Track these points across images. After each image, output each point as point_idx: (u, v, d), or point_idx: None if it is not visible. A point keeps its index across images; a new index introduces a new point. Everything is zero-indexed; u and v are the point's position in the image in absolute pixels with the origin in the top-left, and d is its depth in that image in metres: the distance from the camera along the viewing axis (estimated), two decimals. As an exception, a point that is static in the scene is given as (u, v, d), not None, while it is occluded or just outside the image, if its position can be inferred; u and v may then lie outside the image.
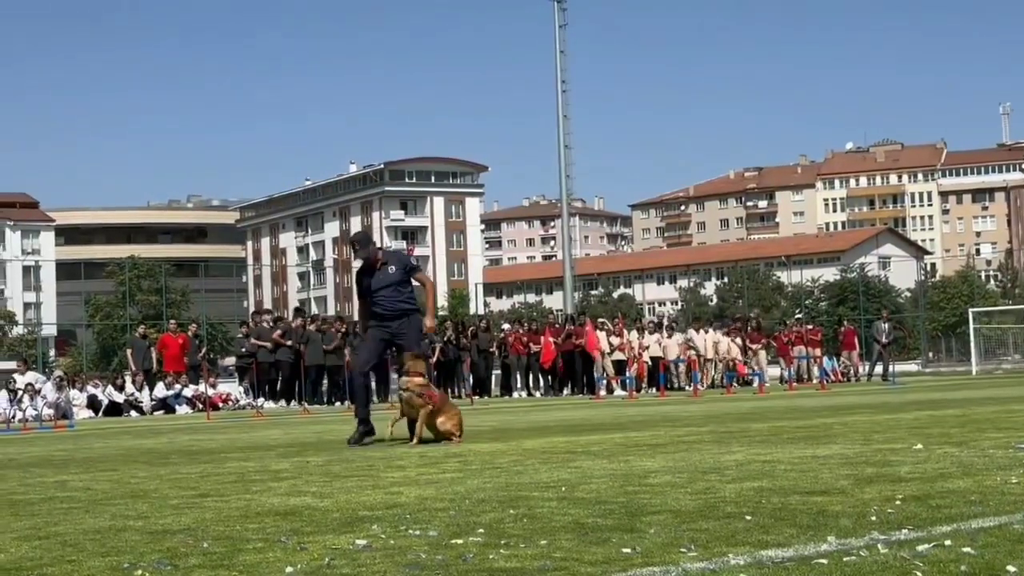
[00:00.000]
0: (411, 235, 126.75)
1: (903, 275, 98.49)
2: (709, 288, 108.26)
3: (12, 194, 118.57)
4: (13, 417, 22.86)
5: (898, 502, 5.50)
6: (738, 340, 33.87)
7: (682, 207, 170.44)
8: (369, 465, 8.77)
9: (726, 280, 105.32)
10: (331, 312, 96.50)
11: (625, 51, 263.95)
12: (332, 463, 9.14)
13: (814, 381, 32.87)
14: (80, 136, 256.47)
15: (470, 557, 4.42)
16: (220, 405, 27.13)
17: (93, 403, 26.63)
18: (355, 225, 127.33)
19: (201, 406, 26.01)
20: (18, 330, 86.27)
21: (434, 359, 27.13)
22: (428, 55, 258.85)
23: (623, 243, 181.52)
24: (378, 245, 12.30)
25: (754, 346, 34.15)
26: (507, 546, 4.63)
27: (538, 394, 31.11)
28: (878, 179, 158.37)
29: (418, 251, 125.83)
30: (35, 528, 5.69)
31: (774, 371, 36.28)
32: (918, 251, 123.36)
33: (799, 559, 4.11)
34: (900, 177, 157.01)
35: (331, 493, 6.83)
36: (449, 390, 30.69)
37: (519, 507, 5.83)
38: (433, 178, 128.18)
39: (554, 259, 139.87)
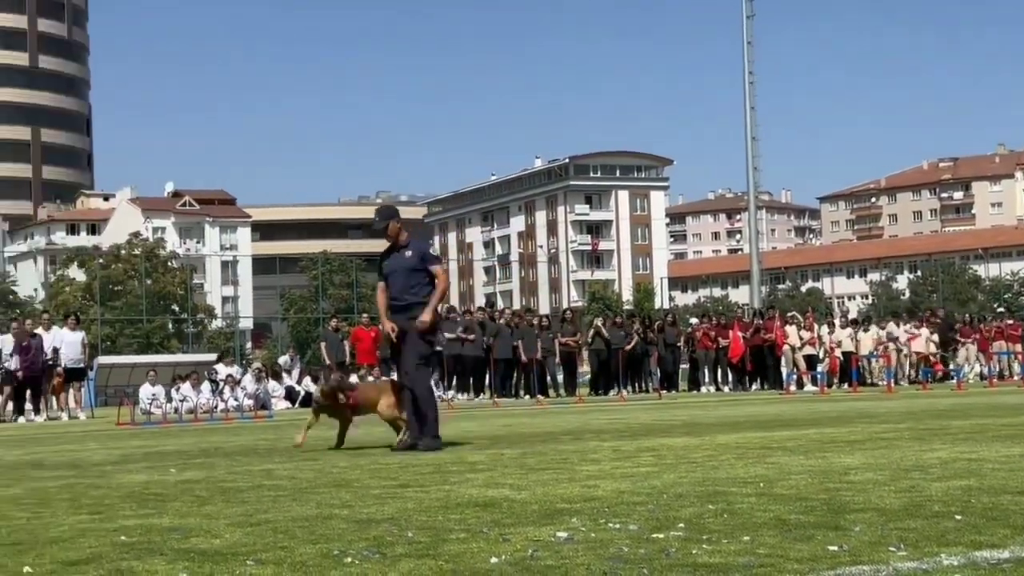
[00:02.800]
0: (596, 229, 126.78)
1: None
2: (901, 282, 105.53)
3: (211, 191, 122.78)
4: (215, 407, 23.65)
5: (1117, 504, 5.29)
6: (935, 336, 32.98)
7: (873, 199, 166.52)
8: (563, 459, 8.81)
9: (919, 274, 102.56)
10: (516, 306, 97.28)
11: (813, 39, 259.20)
12: (526, 456, 9.21)
13: (1015, 378, 31.77)
14: (275, 135, 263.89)
15: (672, 552, 4.40)
16: (411, 397, 27.57)
17: (290, 394, 27.36)
18: (540, 220, 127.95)
19: (393, 398, 26.48)
20: (217, 323, 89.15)
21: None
22: (613, 49, 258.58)
23: (811, 236, 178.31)
24: (401, 224, 10.81)
25: (965, 340, 33.27)
26: (709, 541, 4.60)
27: (726, 389, 30.78)
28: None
29: (603, 245, 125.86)
30: (246, 515, 5.88)
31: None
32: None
33: (1016, 561, 3.99)
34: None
35: (528, 486, 6.89)
36: (636, 385, 30.64)
37: (718, 502, 5.79)
38: (618, 172, 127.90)
39: (740, 253, 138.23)
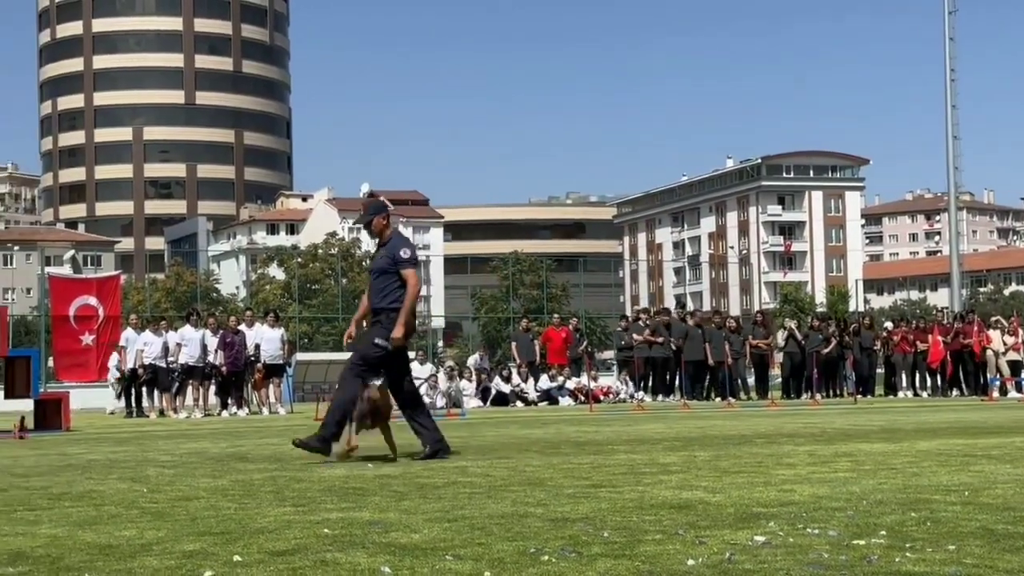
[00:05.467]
0: (789, 230, 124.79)
1: None
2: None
3: (405, 192, 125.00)
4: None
5: None
6: None
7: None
8: (758, 462, 8.71)
9: None
10: (706, 307, 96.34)
11: (1015, 35, 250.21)
12: (720, 458, 9.13)
13: None
14: (467, 137, 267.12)
15: (875, 559, 4.32)
16: (601, 398, 27.59)
17: (483, 393, 27.68)
18: (731, 220, 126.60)
19: (583, 398, 26.55)
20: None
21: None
22: (808, 47, 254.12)
23: (1015, 238, 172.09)
24: (388, 220, 9.88)
25: None
26: (913, 549, 4.50)
27: (924, 394, 29.94)
28: None
29: (796, 246, 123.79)
30: (443, 511, 5.97)
31: None
32: None
33: None
34: None
35: (723, 488, 6.83)
36: (830, 389, 30.03)
37: (920, 510, 5.65)
38: (812, 172, 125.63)
39: (939, 255, 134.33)
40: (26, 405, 17.48)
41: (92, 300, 27.42)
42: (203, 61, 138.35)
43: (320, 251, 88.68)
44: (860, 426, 14.29)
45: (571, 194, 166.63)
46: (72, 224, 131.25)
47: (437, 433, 9.71)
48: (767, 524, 5.26)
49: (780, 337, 30.39)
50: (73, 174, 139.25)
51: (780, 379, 31.42)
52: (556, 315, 34.66)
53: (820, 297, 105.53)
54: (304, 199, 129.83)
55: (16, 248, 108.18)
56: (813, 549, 4.56)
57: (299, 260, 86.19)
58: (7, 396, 17.58)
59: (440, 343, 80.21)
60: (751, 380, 30.39)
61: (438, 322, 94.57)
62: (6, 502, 6.85)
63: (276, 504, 6.44)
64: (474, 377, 27.98)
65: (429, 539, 5.01)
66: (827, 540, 4.77)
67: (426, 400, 24.21)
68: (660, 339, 28.29)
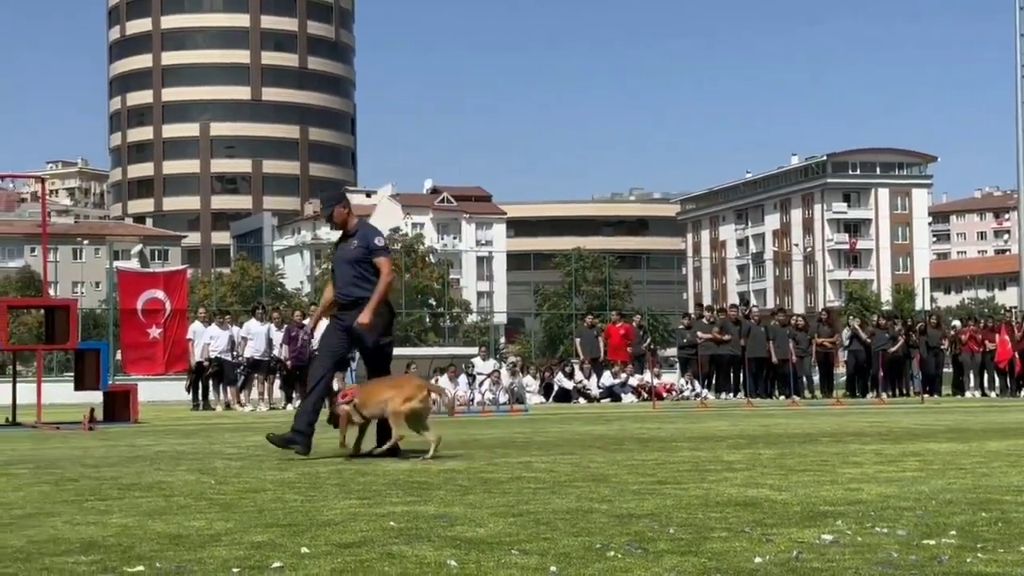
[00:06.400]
0: (854, 228, 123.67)
1: None
2: None
3: (468, 188, 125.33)
4: (472, 400, 24.13)
5: None
6: None
7: None
8: (823, 460, 8.65)
9: None
10: (770, 305, 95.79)
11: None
12: (785, 456, 9.07)
13: None
14: (530, 133, 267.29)
15: (945, 559, 4.28)
16: (664, 395, 27.51)
17: (547, 389, 27.68)
18: (796, 218, 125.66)
19: (646, 395, 26.49)
20: (472, 318, 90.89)
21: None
22: (875, 41, 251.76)
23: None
24: (350, 209, 9.80)
25: None
26: (984, 550, 4.45)
27: (993, 394, 29.59)
28: None
29: (861, 244, 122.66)
30: (508, 505, 5.98)
31: None
32: None
33: None
34: None
35: (788, 487, 6.79)
36: (898, 388, 29.75)
37: (991, 510, 5.58)
38: (878, 169, 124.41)
39: (1008, 253, 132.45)
40: (95, 397, 17.72)
41: (159, 294, 27.68)
42: (269, 57, 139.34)
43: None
44: (927, 425, 14.15)
45: (634, 191, 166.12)
46: (140, 219, 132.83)
47: (309, 427, 9.34)
48: (834, 523, 5.22)
49: (845, 335, 30.15)
50: (141, 169, 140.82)
51: (844, 377, 31.19)
52: (615, 312, 34.61)
53: (886, 295, 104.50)
54: (368, 195, 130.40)
55: (85, 242, 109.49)
56: (882, 548, 4.52)
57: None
58: (76, 388, 17.81)
59: (502, 339, 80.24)
60: (816, 378, 30.21)
61: (500, 318, 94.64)
62: (78, 492, 6.96)
63: (342, 497, 6.48)
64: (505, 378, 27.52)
65: (494, 533, 5.02)
66: (896, 540, 4.73)
67: (488, 395, 24.34)
68: (727, 337, 28.15)
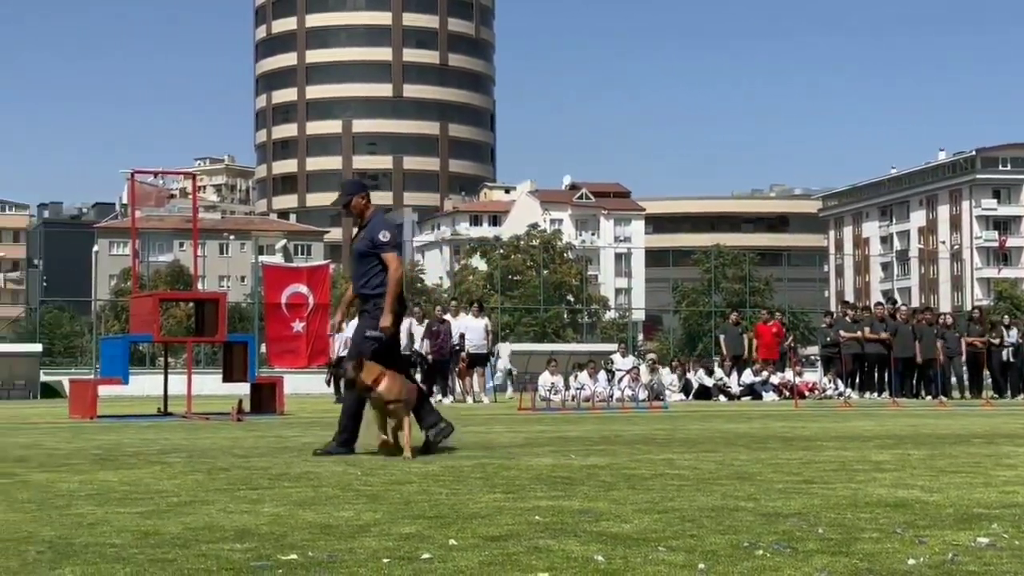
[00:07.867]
0: (1004, 225, 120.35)
1: None
2: None
3: (607, 184, 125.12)
4: (612, 396, 24.09)
5: None
6: None
7: None
8: (975, 462, 8.44)
9: None
10: (915, 303, 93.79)
11: None
12: (935, 457, 8.88)
13: None
14: (670, 128, 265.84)
15: (1109, 566, 4.14)
16: (806, 393, 27.13)
17: (686, 386, 27.51)
18: (943, 214, 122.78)
19: (788, 393, 26.16)
20: (610, 314, 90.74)
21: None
22: (1010, 34, 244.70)
23: None
24: (368, 200, 9.35)
25: None
26: None
27: None
28: None
29: (1011, 242, 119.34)
30: (652, 502, 5.96)
31: None
32: None
33: None
34: None
35: (940, 488, 6.64)
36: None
37: None
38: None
39: None
40: (242, 389, 18.10)
41: (303, 288, 28.10)
42: (411, 54, 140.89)
43: (522, 243, 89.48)
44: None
45: (775, 186, 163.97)
46: (284, 214, 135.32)
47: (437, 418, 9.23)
48: (990, 525, 5.10)
49: (1014, 335, 29.19)
50: (285, 166, 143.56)
51: (990, 379, 30.31)
52: (764, 310, 34.27)
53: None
54: (507, 191, 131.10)
55: (231, 237, 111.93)
56: (1041, 553, 4.40)
57: (501, 251, 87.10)
58: (225, 380, 18.19)
59: (640, 336, 79.96)
60: (965, 378, 29.46)
61: (638, 315, 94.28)
62: (229, 481, 7.12)
63: (486, 490, 6.52)
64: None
65: (640, 530, 5.01)
66: (1055, 544, 4.60)
67: (628, 392, 24.27)
68: (884, 336, 27.63)
